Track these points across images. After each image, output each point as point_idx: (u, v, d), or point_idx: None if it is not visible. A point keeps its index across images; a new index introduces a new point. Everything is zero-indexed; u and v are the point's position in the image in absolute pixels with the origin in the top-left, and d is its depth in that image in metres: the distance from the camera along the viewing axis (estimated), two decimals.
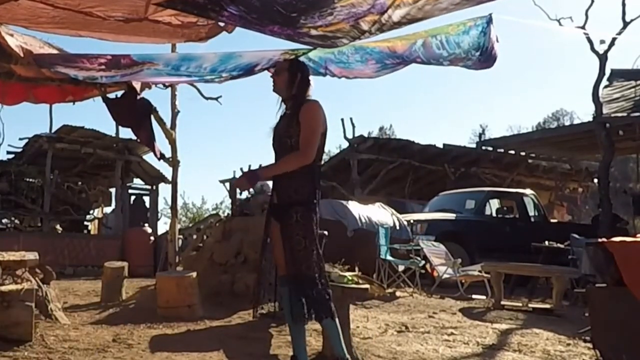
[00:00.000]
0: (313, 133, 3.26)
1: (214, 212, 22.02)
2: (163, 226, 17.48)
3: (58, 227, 13.67)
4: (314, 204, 3.27)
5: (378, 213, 9.43)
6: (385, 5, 3.18)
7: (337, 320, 3.23)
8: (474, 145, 18.05)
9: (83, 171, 15.26)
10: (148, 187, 16.06)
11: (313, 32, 3.51)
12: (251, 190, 8.13)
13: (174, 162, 7.21)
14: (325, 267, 4.33)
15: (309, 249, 3.21)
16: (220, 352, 4.10)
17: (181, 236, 12.69)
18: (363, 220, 8.95)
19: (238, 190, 3.39)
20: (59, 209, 13.77)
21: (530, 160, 15.75)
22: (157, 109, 6.76)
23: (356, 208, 9.26)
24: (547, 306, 6.98)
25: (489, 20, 3.90)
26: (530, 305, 7.04)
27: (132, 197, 15.93)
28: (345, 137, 13.56)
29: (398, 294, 7.51)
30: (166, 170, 13.93)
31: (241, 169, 14.51)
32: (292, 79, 3.38)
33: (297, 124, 3.26)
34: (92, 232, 15.33)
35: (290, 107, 3.39)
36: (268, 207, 3.47)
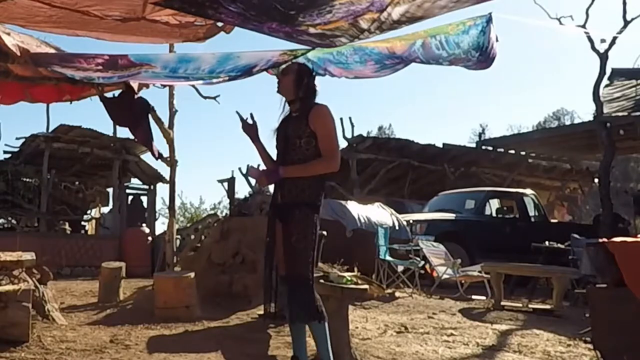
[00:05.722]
0: (334, 139, 3.28)
1: (212, 212, 21.95)
2: (161, 226, 17.44)
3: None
4: (317, 206, 3.25)
5: (377, 213, 9.40)
6: (384, 2, 3.15)
7: (326, 324, 3.18)
8: (473, 145, 18.03)
9: (80, 171, 15.19)
10: (146, 186, 15.98)
11: (311, 30, 3.47)
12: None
13: (171, 162, 7.18)
14: (324, 267, 4.31)
15: (307, 249, 3.17)
16: (218, 353, 4.08)
17: (179, 236, 12.64)
18: (362, 220, 8.92)
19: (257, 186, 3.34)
20: (56, 209, 13.73)
21: (530, 160, 15.72)
22: (154, 108, 6.73)
23: (355, 208, 9.23)
24: (548, 307, 6.95)
25: (489, 20, 3.87)
26: (530, 305, 7.01)
27: (130, 197, 15.86)
28: (344, 137, 13.54)
29: (397, 294, 7.49)
30: (164, 169, 13.91)
31: (239, 169, 14.51)
32: (299, 80, 3.33)
33: (307, 125, 3.23)
34: (89, 232, 15.27)
35: (298, 109, 3.34)
36: (270, 208, 3.40)
